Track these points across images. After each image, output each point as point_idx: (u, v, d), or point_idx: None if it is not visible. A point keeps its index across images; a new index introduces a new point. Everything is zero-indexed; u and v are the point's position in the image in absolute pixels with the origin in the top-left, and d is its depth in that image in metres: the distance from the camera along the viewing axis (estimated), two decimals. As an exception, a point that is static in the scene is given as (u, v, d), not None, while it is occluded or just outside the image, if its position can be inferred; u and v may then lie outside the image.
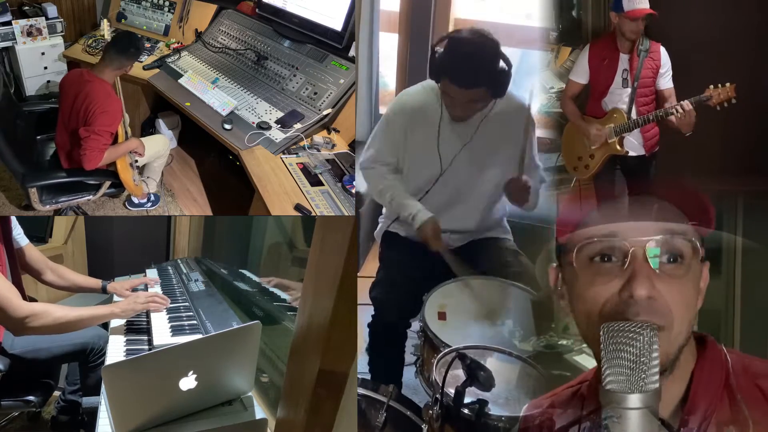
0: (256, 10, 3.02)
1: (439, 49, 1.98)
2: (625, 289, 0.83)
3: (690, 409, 0.87)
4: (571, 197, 2.53)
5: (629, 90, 2.50)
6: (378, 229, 2.34)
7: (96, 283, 2.48)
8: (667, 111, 2.42)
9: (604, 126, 2.55)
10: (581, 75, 2.59)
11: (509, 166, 2.15)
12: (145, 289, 2.65)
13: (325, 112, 2.55)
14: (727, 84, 2.32)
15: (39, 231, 3.32)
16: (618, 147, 2.55)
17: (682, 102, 2.38)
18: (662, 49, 2.48)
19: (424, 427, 1.58)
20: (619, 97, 2.53)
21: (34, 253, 2.36)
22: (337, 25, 2.68)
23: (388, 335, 2.14)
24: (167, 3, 3.19)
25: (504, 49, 2.00)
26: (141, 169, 2.68)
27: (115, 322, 2.28)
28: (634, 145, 2.56)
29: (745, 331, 2.12)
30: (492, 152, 2.12)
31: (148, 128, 3.14)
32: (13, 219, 2.24)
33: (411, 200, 2.12)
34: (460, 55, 1.94)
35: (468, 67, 1.94)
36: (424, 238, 2.08)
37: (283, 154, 2.44)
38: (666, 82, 2.50)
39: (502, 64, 1.97)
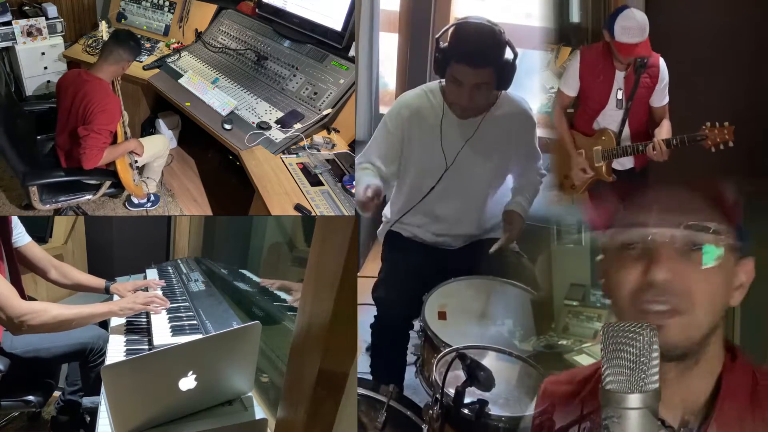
0: (256, 10, 3.02)
1: (443, 42, 2.01)
2: (646, 273, 0.88)
3: (719, 408, 0.89)
4: (594, 199, 2.49)
5: (622, 111, 2.37)
6: (380, 228, 2.34)
7: (99, 282, 2.48)
8: (647, 144, 2.28)
9: (591, 149, 2.44)
10: (571, 87, 2.44)
11: (505, 168, 2.20)
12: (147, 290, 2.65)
13: (325, 112, 2.55)
14: (726, 123, 2.15)
15: (39, 231, 3.32)
16: (605, 174, 2.44)
17: (662, 141, 2.24)
18: (662, 62, 2.32)
19: (424, 427, 1.59)
20: (611, 117, 2.40)
21: (37, 252, 2.36)
22: (337, 25, 2.68)
23: (390, 336, 2.14)
24: (167, 3, 3.19)
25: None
26: (141, 170, 2.68)
27: (115, 322, 2.28)
28: (623, 161, 2.45)
29: (745, 331, 2.11)
30: (490, 151, 2.14)
31: (148, 128, 3.14)
32: (15, 218, 2.24)
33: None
34: (469, 37, 1.99)
35: (477, 47, 1.98)
36: (359, 199, 2.04)
37: (283, 154, 2.43)
38: (661, 99, 2.36)
39: (508, 52, 2.00)
